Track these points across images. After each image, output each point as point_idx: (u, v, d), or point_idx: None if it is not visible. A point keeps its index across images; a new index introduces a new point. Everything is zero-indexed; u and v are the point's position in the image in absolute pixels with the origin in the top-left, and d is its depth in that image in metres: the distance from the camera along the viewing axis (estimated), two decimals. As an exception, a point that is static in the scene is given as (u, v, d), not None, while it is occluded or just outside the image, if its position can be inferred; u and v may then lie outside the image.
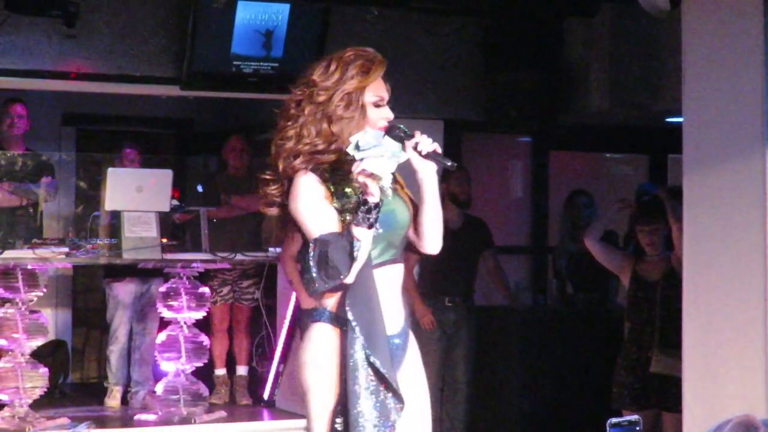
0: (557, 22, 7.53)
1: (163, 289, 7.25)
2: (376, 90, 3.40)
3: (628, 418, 2.51)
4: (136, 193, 7.09)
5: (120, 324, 7.84)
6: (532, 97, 7.39)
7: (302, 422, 7.15)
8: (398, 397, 3.31)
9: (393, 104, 3.46)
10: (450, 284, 7.22)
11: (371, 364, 3.27)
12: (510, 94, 7.40)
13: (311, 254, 3.25)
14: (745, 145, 5.00)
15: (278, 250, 7.15)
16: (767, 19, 4.88)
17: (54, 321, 9.03)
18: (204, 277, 7.67)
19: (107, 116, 9.80)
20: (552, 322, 7.66)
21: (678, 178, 6.03)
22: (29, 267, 6.87)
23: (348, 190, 3.30)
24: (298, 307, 7.20)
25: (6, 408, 6.91)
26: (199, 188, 8.32)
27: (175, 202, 7.57)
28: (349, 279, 3.26)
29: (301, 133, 3.36)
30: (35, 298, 7.01)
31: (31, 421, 6.81)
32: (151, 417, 7.22)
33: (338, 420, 3.31)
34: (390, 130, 3.35)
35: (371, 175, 3.22)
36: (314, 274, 3.27)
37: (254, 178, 8.29)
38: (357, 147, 3.24)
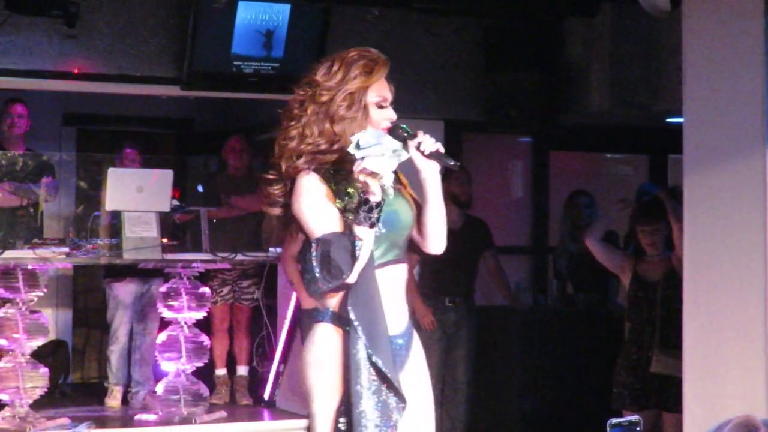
0: (558, 22, 7.53)
1: (163, 289, 7.25)
2: (379, 90, 3.40)
3: (628, 418, 2.51)
4: (136, 193, 7.09)
5: (120, 324, 7.84)
6: (533, 97, 7.39)
7: (303, 422, 7.18)
8: (400, 396, 3.31)
9: (393, 104, 3.46)
10: (450, 284, 7.22)
11: (373, 364, 3.27)
12: (510, 94, 7.40)
13: (314, 254, 3.26)
14: (746, 145, 5.00)
15: (279, 250, 7.15)
16: (768, 19, 4.89)
17: (54, 321, 9.03)
18: (204, 277, 7.67)
19: (108, 116, 9.80)
20: (552, 323, 7.66)
21: (678, 178, 6.04)
22: (30, 267, 6.87)
23: (350, 189, 3.30)
24: (298, 308, 7.20)
25: (6, 408, 6.90)
26: (200, 188, 8.32)
27: (176, 202, 7.57)
28: (352, 278, 3.26)
29: (303, 133, 3.36)
30: (36, 298, 7.01)
31: (32, 421, 6.81)
32: (152, 417, 7.21)
33: (342, 420, 3.32)
34: (393, 130, 3.36)
35: (372, 174, 3.22)
36: (317, 274, 3.27)
37: (254, 178, 8.32)
38: (357, 146, 3.24)
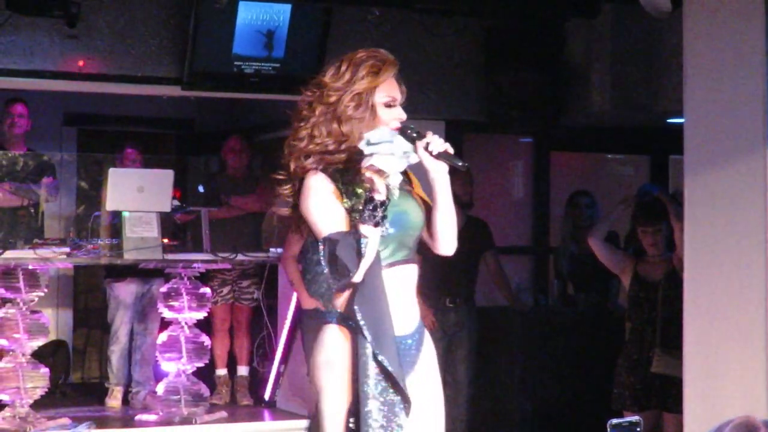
0: (559, 23, 7.53)
1: (164, 289, 7.25)
2: (388, 90, 3.42)
3: (628, 419, 2.51)
4: (137, 194, 7.09)
5: (121, 324, 7.84)
6: (534, 97, 7.39)
7: (303, 422, 7.18)
8: (405, 397, 3.31)
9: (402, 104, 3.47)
10: (451, 285, 7.22)
11: (379, 363, 3.28)
12: (511, 95, 7.40)
13: (321, 253, 3.26)
14: (747, 146, 5.00)
15: (279, 250, 7.15)
16: (769, 19, 4.89)
17: (55, 321, 9.03)
18: (204, 278, 7.67)
19: (108, 116, 9.81)
20: (553, 323, 7.65)
21: (679, 178, 6.04)
22: (30, 267, 6.87)
23: (358, 189, 3.31)
24: (299, 308, 7.20)
25: (7, 408, 6.91)
26: (200, 188, 8.32)
27: (176, 203, 7.57)
28: (357, 277, 3.27)
29: (312, 133, 3.38)
30: (36, 298, 7.01)
31: (32, 421, 6.81)
32: (152, 417, 7.21)
33: (352, 419, 3.33)
34: (401, 131, 3.36)
35: (378, 172, 3.24)
36: (325, 273, 3.29)
37: (254, 179, 8.33)
38: (368, 142, 3.25)
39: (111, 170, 7.22)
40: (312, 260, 7.31)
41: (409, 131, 3.36)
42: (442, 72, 7.63)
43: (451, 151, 3.38)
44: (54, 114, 9.45)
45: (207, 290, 7.34)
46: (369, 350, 3.29)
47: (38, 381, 6.92)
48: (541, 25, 7.45)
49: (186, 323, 7.19)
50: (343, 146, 3.36)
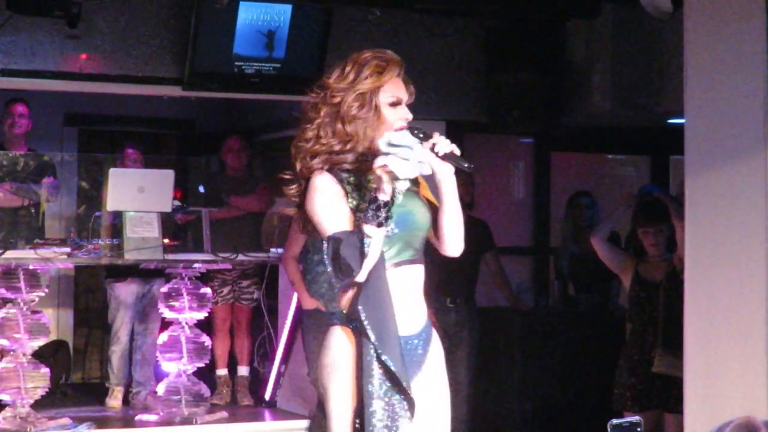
0: (560, 23, 7.53)
1: (164, 289, 7.25)
2: (393, 90, 3.44)
3: (629, 419, 2.51)
4: (137, 194, 7.09)
5: (122, 324, 7.84)
6: (534, 97, 7.39)
7: (304, 423, 7.19)
8: (408, 397, 3.32)
9: (410, 105, 3.49)
10: (452, 285, 7.22)
11: (382, 363, 3.29)
12: (512, 95, 7.40)
13: (325, 252, 3.27)
14: (747, 146, 4.99)
15: (279, 250, 7.16)
16: (769, 20, 4.89)
17: (56, 321, 9.04)
18: (204, 278, 7.68)
19: (109, 116, 9.81)
20: (554, 323, 7.66)
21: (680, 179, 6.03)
22: (31, 267, 6.88)
23: (363, 190, 3.32)
24: (299, 308, 7.20)
25: (8, 408, 6.91)
26: (201, 189, 8.32)
27: (177, 203, 7.57)
28: (361, 277, 3.27)
29: (318, 134, 3.41)
30: (37, 299, 7.01)
31: (33, 421, 6.82)
32: (153, 417, 7.22)
33: (358, 420, 3.35)
34: (408, 131, 3.38)
35: (390, 173, 3.25)
36: (326, 273, 3.32)
37: (254, 179, 8.33)
38: (389, 143, 3.27)
39: (112, 170, 7.23)
40: (312, 260, 7.35)
41: (415, 132, 3.38)
42: (442, 72, 7.63)
43: (458, 152, 3.38)
44: (55, 114, 9.45)
45: (208, 290, 7.35)
46: (373, 350, 3.30)
47: (39, 381, 6.93)
48: (541, 25, 7.45)
49: (186, 323, 7.19)
50: (348, 146, 3.38)
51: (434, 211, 3.50)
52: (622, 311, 6.94)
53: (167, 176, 7.27)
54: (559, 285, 8.10)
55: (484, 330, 7.39)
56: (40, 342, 7.10)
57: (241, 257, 7.33)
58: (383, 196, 3.26)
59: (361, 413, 3.32)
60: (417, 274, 3.48)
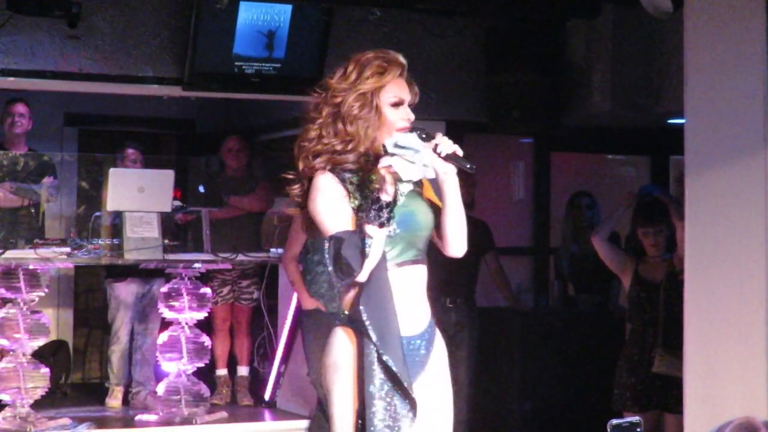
0: (560, 23, 7.53)
1: (164, 289, 7.25)
2: (396, 90, 3.45)
3: (629, 419, 2.51)
4: (137, 194, 7.09)
5: (121, 324, 7.84)
6: (534, 98, 7.39)
7: (303, 423, 7.18)
8: (409, 397, 3.32)
9: (413, 105, 3.50)
10: (452, 285, 7.21)
11: (383, 363, 3.30)
12: (512, 95, 7.40)
13: (327, 251, 3.28)
14: (747, 147, 4.99)
15: (279, 250, 7.16)
16: (769, 20, 4.89)
17: (56, 321, 9.04)
18: (204, 278, 7.67)
19: (109, 116, 9.81)
20: (554, 324, 7.65)
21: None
22: (31, 267, 6.88)
23: (366, 190, 3.33)
24: (299, 308, 7.20)
25: (8, 408, 6.91)
26: (201, 189, 8.32)
27: (177, 203, 7.57)
28: (362, 277, 3.28)
29: (320, 134, 3.42)
30: (37, 298, 7.01)
31: (33, 421, 6.82)
32: (153, 417, 7.21)
33: (360, 421, 3.36)
34: (411, 132, 3.38)
35: (393, 174, 3.25)
36: (326, 273, 3.33)
37: (254, 179, 8.33)
38: (396, 144, 3.29)
39: (112, 170, 7.22)
40: (312, 261, 7.35)
41: (418, 132, 3.38)
42: (442, 72, 7.63)
43: (461, 153, 3.39)
44: (55, 114, 9.45)
45: (207, 290, 7.35)
46: (374, 351, 3.31)
47: (39, 381, 6.92)
48: (541, 25, 7.45)
49: (186, 323, 7.19)
50: (349, 146, 3.39)
51: (437, 212, 3.50)
52: (622, 311, 6.94)
53: (167, 176, 7.27)
54: (559, 285, 8.10)
55: (484, 330, 7.38)
56: (40, 342, 7.09)
57: (240, 257, 7.33)
58: (386, 197, 3.27)
59: (362, 414, 3.33)
60: (420, 274, 3.48)
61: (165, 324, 7.46)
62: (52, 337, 8.22)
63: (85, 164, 8.83)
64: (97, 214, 7.46)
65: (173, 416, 7.09)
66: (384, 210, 3.26)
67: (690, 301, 5.31)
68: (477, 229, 7.36)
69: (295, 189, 3.47)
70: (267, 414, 7.76)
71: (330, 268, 3.31)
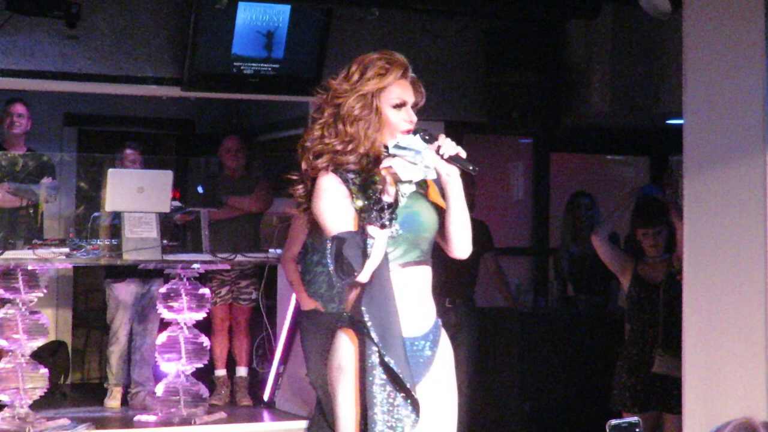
0: (559, 23, 7.53)
1: (163, 289, 7.25)
2: (399, 92, 3.46)
3: (628, 419, 2.50)
4: (136, 194, 7.09)
5: (120, 325, 7.84)
6: (534, 98, 7.38)
7: (303, 423, 7.18)
8: (412, 397, 3.33)
9: (417, 107, 3.51)
10: (451, 286, 7.21)
11: (385, 364, 3.30)
12: (511, 96, 7.39)
13: (329, 251, 3.28)
14: (746, 147, 4.99)
15: (278, 251, 7.15)
16: (769, 20, 4.89)
17: (54, 321, 9.04)
18: (202, 278, 7.67)
19: (108, 117, 9.81)
20: (553, 324, 7.65)
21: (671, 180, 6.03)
22: (30, 267, 6.88)
23: (369, 190, 3.34)
24: (298, 309, 7.20)
25: (6, 408, 6.91)
26: (200, 189, 8.32)
27: (176, 203, 7.57)
28: (363, 277, 3.28)
29: (322, 134, 3.44)
30: (36, 299, 7.01)
31: (32, 421, 6.81)
32: (152, 418, 7.22)
33: (364, 422, 3.36)
34: (414, 133, 3.39)
35: (394, 175, 3.26)
36: (331, 271, 3.34)
37: (252, 179, 8.33)
38: (397, 145, 3.30)
39: (111, 171, 7.22)
40: (311, 261, 7.34)
41: (421, 134, 3.39)
42: (442, 72, 7.63)
43: (464, 154, 3.39)
44: (54, 114, 9.45)
45: (206, 291, 7.35)
46: (376, 351, 3.32)
47: (38, 381, 6.92)
48: (541, 25, 7.44)
49: (185, 324, 7.19)
50: (349, 147, 3.40)
51: (442, 213, 3.50)
52: (622, 312, 6.93)
53: (166, 177, 7.27)
54: (559, 285, 8.09)
55: (484, 330, 7.38)
56: (39, 342, 7.09)
57: (239, 258, 7.33)
58: (387, 198, 3.28)
59: (365, 415, 3.33)
60: (424, 275, 3.49)
61: (164, 324, 7.46)
62: (51, 337, 8.23)
63: (84, 164, 8.82)
64: (96, 214, 7.46)
65: (172, 417, 7.09)
66: (385, 211, 3.27)
67: (689, 301, 5.31)
68: (476, 230, 7.27)
69: (299, 189, 3.47)
70: (266, 414, 7.76)
71: (331, 268, 3.31)
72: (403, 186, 3.31)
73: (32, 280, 6.91)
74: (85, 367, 9.63)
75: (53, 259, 6.91)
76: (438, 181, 3.45)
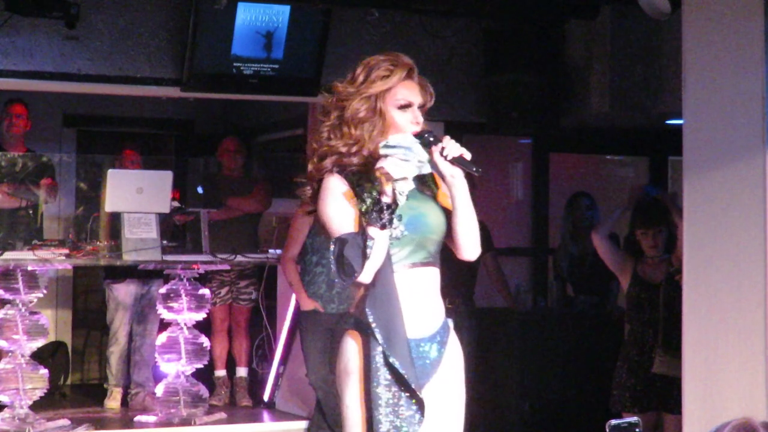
0: (558, 24, 7.52)
1: (163, 290, 7.25)
2: (404, 93, 3.47)
3: (627, 420, 2.50)
4: (136, 195, 7.09)
5: (120, 325, 7.83)
6: (533, 98, 7.38)
7: (302, 424, 7.19)
8: (417, 398, 3.33)
9: (423, 108, 3.53)
10: (450, 286, 7.18)
11: (390, 365, 3.30)
12: (511, 96, 7.39)
13: (332, 252, 3.28)
14: (746, 147, 4.99)
15: (278, 251, 7.15)
16: (768, 20, 4.89)
17: (54, 322, 9.03)
18: (202, 279, 7.67)
19: (108, 117, 9.81)
20: (552, 324, 7.65)
21: (679, 180, 6.03)
22: (29, 268, 6.88)
23: (370, 192, 3.34)
24: (298, 309, 7.20)
25: (6, 409, 6.91)
26: (199, 190, 8.32)
27: (176, 204, 7.57)
28: (364, 278, 3.29)
29: (328, 136, 3.45)
30: (35, 300, 7.01)
31: (32, 422, 6.81)
32: (151, 418, 7.21)
33: (369, 422, 3.36)
34: (418, 135, 3.39)
35: (386, 174, 3.27)
36: (332, 272, 3.35)
37: (251, 179, 8.33)
38: (386, 145, 3.31)
39: (110, 171, 7.22)
40: (311, 261, 7.34)
41: (425, 135, 3.39)
42: (441, 73, 7.62)
43: (468, 156, 3.39)
44: (53, 115, 9.45)
45: (206, 291, 7.34)
46: (381, 352, 3.32)
47: (37, 382, 6.92)
48: (540, 26, 7.44)
49: (185, 324, 7.19)
50: (354, 149, 3.41)
51: (450, 216, 3.51)
52: (621, 312, 6.93)
53: (166, 177, 7.27)
54: (558, 286, 8.09)
55: (483, 331, 7.38)
56: (39, 343, 7.09)
57: (239, 258, 7.32)
58: (385, 198, 3.28)
59: (371, 416, 3.33)
60: (431, 276, 3.49)
61: (164, 325, 7.45)
62: (51, 338, 8.22)
63: (84, 165, 8.83)
64: (96, 215, 7.46)
65: (172, 417, 7.09)
66: (385, 211, 3.27)
67: (689, 301, 5.31)
68: (476, 230, 7.36)
69: (307, 192, 3.49)
70: (266, 415, 7.76)
71: (333, 269, 3.32)
72: (399, 184, 3.31)
73: (32, 280, 6.91)
74: (85, 367, 9.63)
75: (53, 260, 6.91)
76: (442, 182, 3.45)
